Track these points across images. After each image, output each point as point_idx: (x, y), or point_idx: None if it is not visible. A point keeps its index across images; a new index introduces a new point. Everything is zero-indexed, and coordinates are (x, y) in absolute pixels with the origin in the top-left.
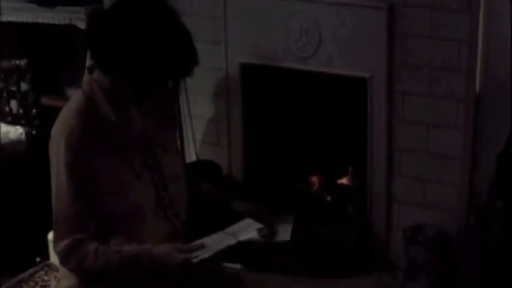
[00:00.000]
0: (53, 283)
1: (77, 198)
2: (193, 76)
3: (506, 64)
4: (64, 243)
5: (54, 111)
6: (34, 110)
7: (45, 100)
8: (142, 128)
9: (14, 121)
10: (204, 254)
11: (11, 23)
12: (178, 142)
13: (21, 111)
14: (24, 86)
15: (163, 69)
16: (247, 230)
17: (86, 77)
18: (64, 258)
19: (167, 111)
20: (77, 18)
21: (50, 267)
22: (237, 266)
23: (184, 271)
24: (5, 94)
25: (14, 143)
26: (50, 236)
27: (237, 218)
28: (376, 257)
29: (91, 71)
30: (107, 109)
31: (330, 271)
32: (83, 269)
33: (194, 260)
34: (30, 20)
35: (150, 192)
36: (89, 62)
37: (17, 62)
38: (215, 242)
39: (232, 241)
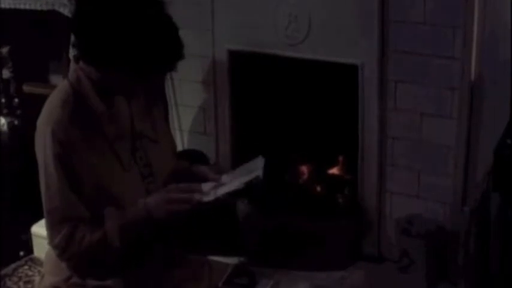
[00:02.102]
0: (36, 278)
1: (67, 187)
2: (180, 64)
3: (504, 50)
4: (60, 235)
5: (37, 101)
6: (16, 100)
7: (27, 88)
8: (131, 120)
9: None
10: (211, 196)
11: None
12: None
13: (3, 100)
14: (6, 74)
15: (147, 62)
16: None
17: (72, 65)
18: (62, 250)
19: (158, 102)
20: (59, 4)
21: (34, 261)
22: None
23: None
24: None
25: None
26: (34, 229)
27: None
28: (367, 249)
29: (77, 59)
30: (94, 99)
31: (320, 264)
32: (81, 253)
33: (205, 199)
34: (12, 6)
35: (139, 187)
36: (73, 50)
37: None
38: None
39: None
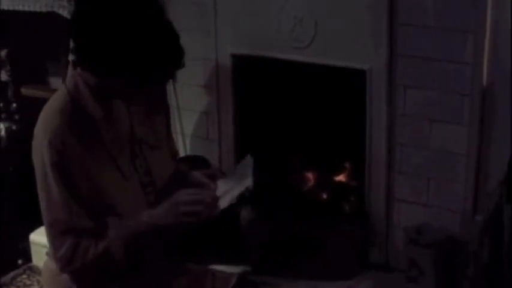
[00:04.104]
0: None
1: (69, 197)
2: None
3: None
4: (64, 247)
5: (36, 104)
6: (14, 104)
7: (25, 90)
8: (130, 126)
9: None
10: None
11: None
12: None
13: (1, 105)
14: (4, 77)
15: (145, 68)
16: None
17: (70, 70)
18: (66, 262)
19: (159, 107)
20: (59, 5)
21: (32, 270)
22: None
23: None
24: None
25: None
26: (32, 237)
27: None
28: (375, 257)
29: (76, 65)
30: (92, 106)
31: (327, 272)
32: (86, 265)
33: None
34: (10, 8)
35: (138, 195)
36: (72, 54)
37: None
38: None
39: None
